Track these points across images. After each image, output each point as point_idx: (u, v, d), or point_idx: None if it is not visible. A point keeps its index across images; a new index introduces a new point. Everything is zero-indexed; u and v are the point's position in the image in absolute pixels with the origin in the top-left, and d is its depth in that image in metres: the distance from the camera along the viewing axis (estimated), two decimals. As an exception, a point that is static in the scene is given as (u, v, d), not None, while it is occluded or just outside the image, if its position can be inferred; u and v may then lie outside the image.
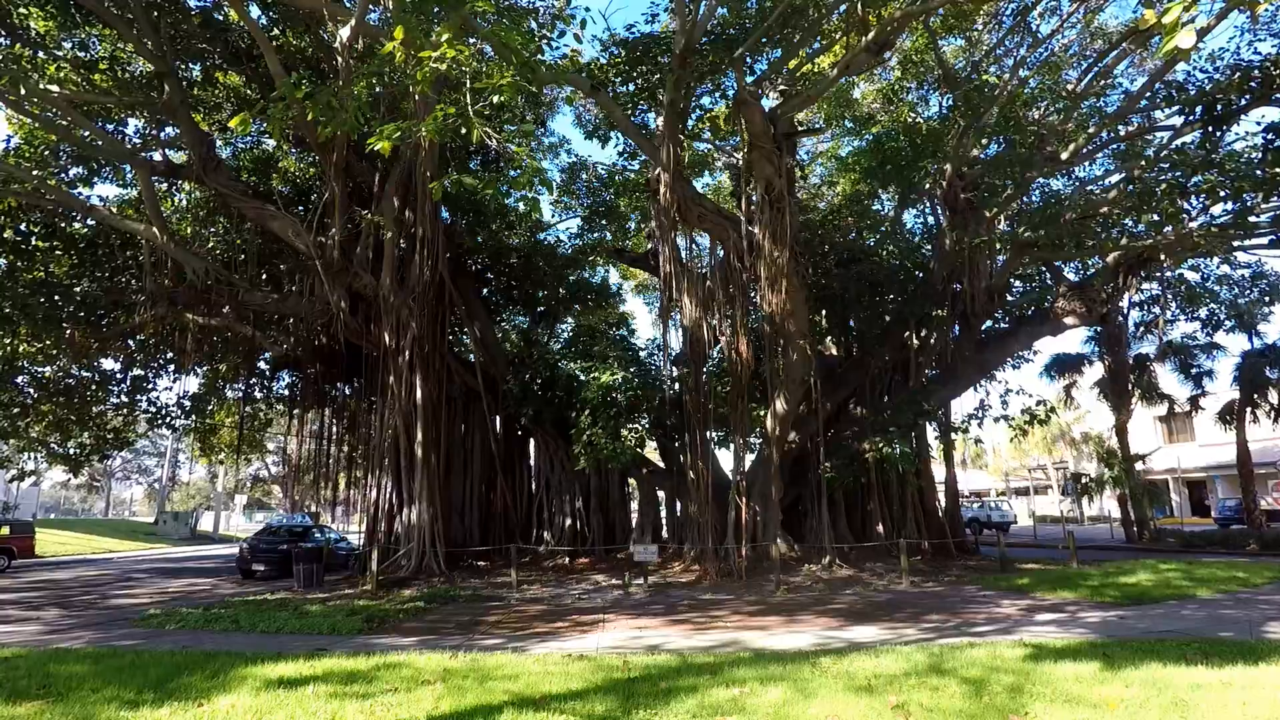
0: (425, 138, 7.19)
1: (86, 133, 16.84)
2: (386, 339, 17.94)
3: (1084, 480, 26.99)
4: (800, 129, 17.30)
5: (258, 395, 27.65)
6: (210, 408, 27.07)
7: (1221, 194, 11.78)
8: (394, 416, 17.74)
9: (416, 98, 14.20)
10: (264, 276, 20.91)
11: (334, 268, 17.59)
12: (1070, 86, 16.30)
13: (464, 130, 7.45)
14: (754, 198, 15.42)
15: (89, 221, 19.90)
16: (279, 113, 8.21)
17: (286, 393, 27.23)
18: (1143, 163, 14.72)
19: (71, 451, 25.11)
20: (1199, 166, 11.55)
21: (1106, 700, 5.87)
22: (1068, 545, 18.25)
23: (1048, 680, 6.43)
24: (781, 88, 18.09)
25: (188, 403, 25.60)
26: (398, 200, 17.58)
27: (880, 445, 17.73)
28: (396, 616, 11.56)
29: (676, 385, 19.23)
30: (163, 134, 19.39)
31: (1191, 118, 12.36)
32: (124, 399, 24.05)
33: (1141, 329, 26.36)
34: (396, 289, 17.87)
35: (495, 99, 7.58)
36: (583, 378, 17.75)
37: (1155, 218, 11.73)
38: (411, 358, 17.68)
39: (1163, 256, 17.70)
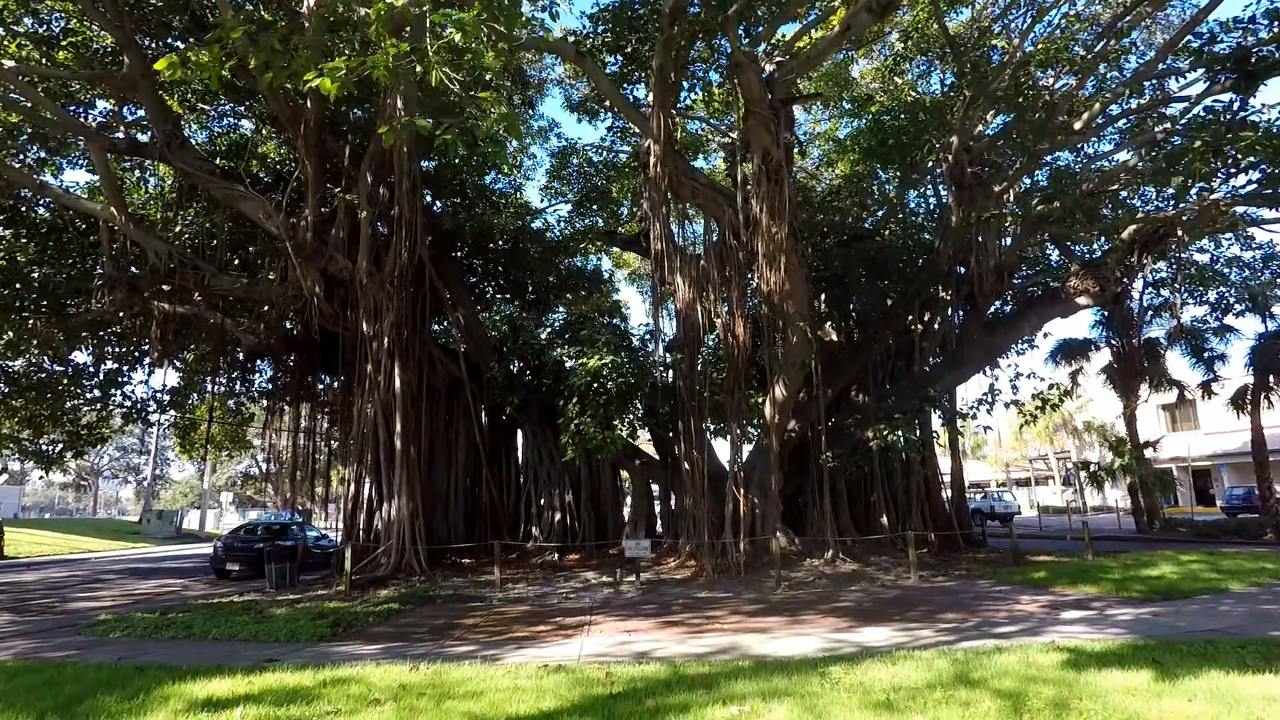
0: (374, 75, 6.24)
1: (42, 109, 15.83)
2: (364, 325, 17.00)
3: (1092, 468, 26.12)
4: (799, 95, 16.31)
5: (239, 389, 26.79)
6: (191, 402, 26.19)
7: (1255, 156, 10.88)
8: (372, 407, 16.80)
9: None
10: (236, 262, 19.94)
11: (306, 250, 16.62)
12: (1082, 54, 15.33)
13: (419, 69, 6.52)
14: (750, 170, 14.49)
15: (52, 206, 18.97)
16: (215, 55, 7.26)
17: (270, 386, 26.30)
18: (1167, 125, 13.80)
19: (44, 448, 24.21)
20: (1233, 126, 10.66)
21: (1169, 717, 5.00)
22: (1080, 536, 17.46)
23: (1095, 693, 5.55)
24: (778, 59, 17.15)
25: (164, 397, 24.74)
26: (371, 176, 16.60)
27: (884, 433, 16.84)
28: (366, 620, 10.67)
29: (670, 372, 18.32)
30: (129, 115, 18.43)
31: (1222, 77, 11.43)
32: (97, 394, 23.16)
33: (1151, 312, 25.53)
34: (374, 272, 16.92)
35: (457, 37, 6.62)
36: (570, 363, 16.81)
37: (1184, 179, 10.82)
38: (390, 345, 16.73)
39: (1180, 232, 16.86)
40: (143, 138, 18.84)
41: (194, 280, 16.82)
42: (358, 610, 11.42)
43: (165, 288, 17.27)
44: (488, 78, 19.39)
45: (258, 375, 26.49)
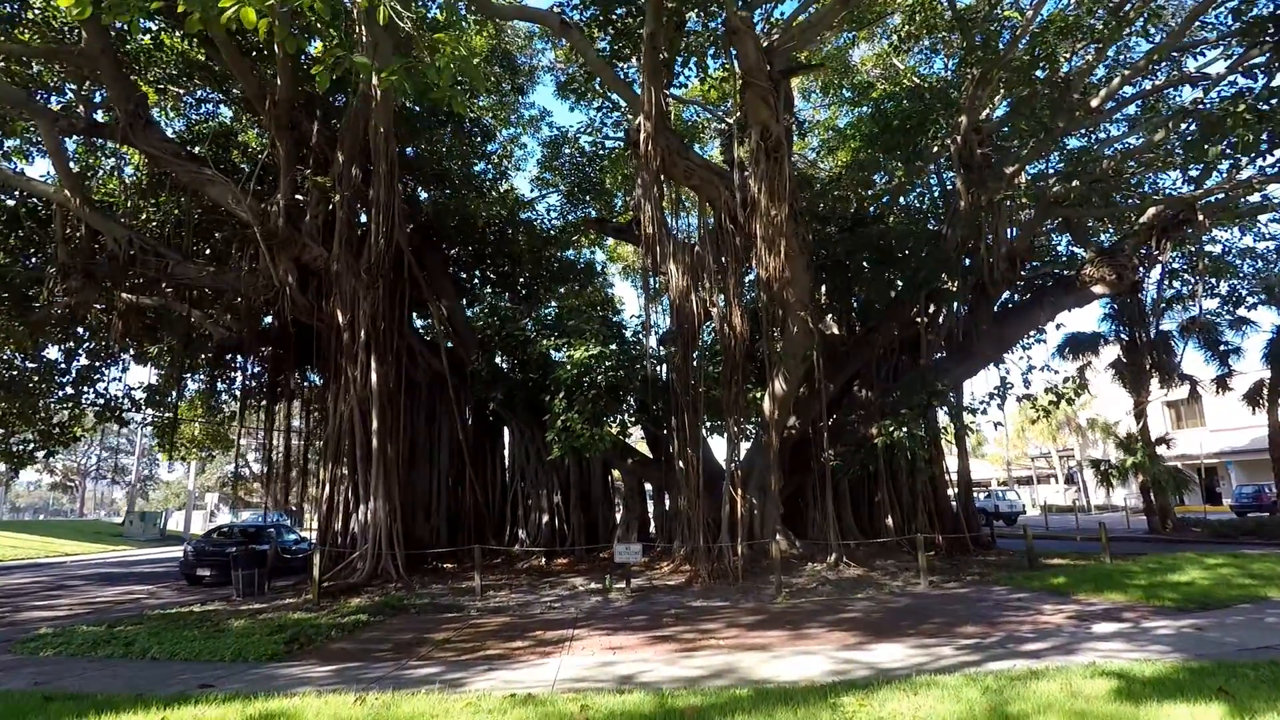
0: (303, 4, 5.30)
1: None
2: (339, 317, 16.06)
3: (1103, 467, 25.20)
4: (799, 65, 15.34)
5: (219, 387, 25.90)
6: (170, 400, 25.26)
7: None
8: (348, 403, 15.84)
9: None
10: (207, 251, 18.97)
11: (278, 236, 15.68)
12: (1106, 17, 14.38)
13: (364, 1, 5.60)
14: (748, 150, 13.57)
15: (16, 194, 18.02)
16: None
17: (249, 383, 25.36)
18: (1197, 94, 12.89)
19: (14, 447, 23.25)
20: (1275, 93, 9.76)
21: (1262, 770, 4.08)
22: (1091, 537, 16.59)
23: (1163, 735, 4.63)
24: (775, 36, 16.24)
25: (140, 394, 23.84)
26: (345, 157, 15.66)
27: (889, 429, 15.91)
28: (328, 634, 9.71)
29: (664, 366, 17.38)
30: (100, 99, 17.49)
31: (1264, 39, 10.54)
32: (69, 391, 22.24)
33: (1164, 305, 24.66)
34: (350, 261, 15.98)
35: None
36: (557, 355, 15.85)
37: (1220, 149, 9.94)
38: (366, 337, 15.77)
39: (1200, 217, 15.98)
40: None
41: (156, 268, 15.83)
42: (321, 622, 10.46)
43: (134, 277, 16.28)
44: (475, 61, 18.55)
45: (238, 373, 25.64)
